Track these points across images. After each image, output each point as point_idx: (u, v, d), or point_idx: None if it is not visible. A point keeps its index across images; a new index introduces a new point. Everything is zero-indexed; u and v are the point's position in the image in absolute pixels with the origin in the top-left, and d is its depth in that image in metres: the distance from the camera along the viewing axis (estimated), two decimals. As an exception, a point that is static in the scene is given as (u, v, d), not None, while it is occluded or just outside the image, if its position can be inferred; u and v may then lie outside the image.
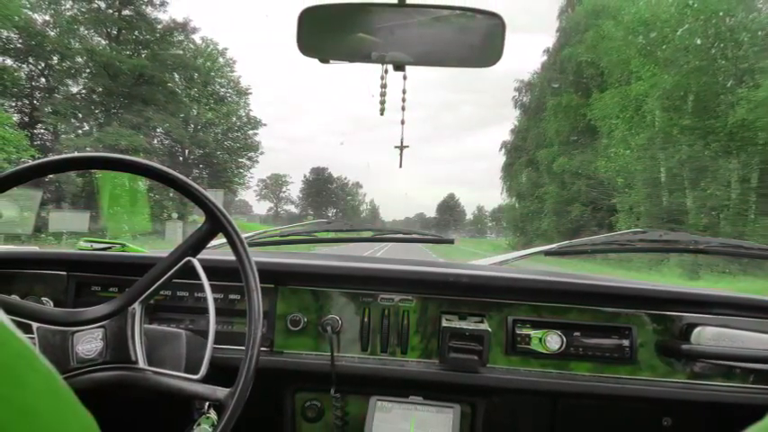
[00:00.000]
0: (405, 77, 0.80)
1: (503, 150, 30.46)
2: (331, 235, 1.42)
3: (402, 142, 1.12)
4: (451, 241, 1.63)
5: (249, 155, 28.63)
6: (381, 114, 0.86)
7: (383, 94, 0.82)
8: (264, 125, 29.69)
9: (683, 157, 15.05)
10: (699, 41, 15.59)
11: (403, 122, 0.98)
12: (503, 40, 0.72)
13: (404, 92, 0.85)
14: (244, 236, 0.78)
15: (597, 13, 19.41)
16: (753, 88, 13.69)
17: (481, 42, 0.74)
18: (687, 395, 0.97)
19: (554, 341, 0.99)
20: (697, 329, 0.98)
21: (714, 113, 14.65)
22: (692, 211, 14.93)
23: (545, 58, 26.11)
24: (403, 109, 0.90)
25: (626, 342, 1.00)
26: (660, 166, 15.95)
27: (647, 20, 16.22)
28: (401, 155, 1.14)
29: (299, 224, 1.46)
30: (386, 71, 0.79)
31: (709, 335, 0.97)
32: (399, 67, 0.76)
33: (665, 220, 14.99)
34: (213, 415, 0.84)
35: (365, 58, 0.74)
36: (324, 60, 0.76)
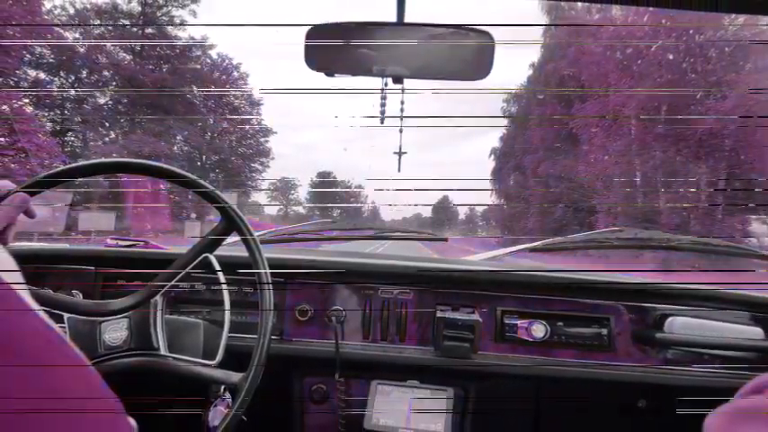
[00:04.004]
0: (403, 90, 0.80)
1: (492, 156, 30.46)
2: (335, 233, 1.42)
3: (400, 149, 1.12)
4: (445, 239, 1.62)
5: (261, 160, 28.56)
6: (381, 123, 0.86)
7: (383, 105, 0.82)
8: (275, 133, 29.57)
9: (656, 162, 15.06)
10: (671, 57, 15.61)
11: (401, 131, 0.98)
12: (492, 55, 0.72)
13: (402, 102, 0.85)
14: (256, 234, 0.78)
15: (578, 30, 19.42)
16: (720, 99, 13.71)
17: (473, 58, 0.74)
18: (660, 379, 0.97)
19: (539, 330, 0.99)
20: (669, 319, 0.98)
21: (685, 123, 14.66)
22: (665, 211, 14.93)
23: (531, 71, 26.11)
24: (401, 119, 0.90)
25: (604, 331, 1.00)
26: (636, 170, 15.96)
27: (624, 37, 16.24)
28: (399, 160, 1.14)
29: (306, 223, 1.46)
30: (386, 84, 0.79)
31: (681, 324, 0.98)
32: (398, 80, 0.76)
33: (640, 220, 14.98)
34: (228, 397, 0.84)
35: (367, 72, 0.74)
36: (329, 74, 0.76)
